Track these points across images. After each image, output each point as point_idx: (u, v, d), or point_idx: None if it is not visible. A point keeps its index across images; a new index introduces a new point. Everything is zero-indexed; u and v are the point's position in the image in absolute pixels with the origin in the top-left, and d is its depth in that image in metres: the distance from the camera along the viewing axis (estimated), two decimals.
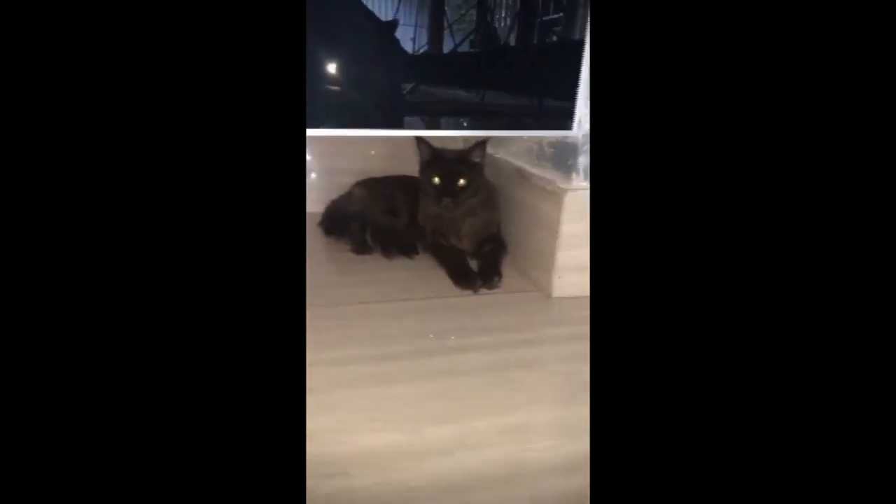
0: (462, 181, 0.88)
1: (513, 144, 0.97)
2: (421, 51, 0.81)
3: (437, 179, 0.89)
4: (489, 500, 0.43)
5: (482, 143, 0.89)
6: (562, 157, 0.80)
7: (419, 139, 0.92)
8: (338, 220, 1.02)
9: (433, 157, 0.92)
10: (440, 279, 0.86)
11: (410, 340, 0.67)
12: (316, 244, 1.01)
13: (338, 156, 1.20)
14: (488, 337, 0.69)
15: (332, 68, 0.74)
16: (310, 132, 0.68)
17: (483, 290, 0.82)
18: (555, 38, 0.84)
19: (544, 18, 0.89)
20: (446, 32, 0.86)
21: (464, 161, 0.90)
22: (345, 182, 1.12)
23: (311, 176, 1.20)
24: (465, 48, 0.85)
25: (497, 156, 1.00)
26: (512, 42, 0.87)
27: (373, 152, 1.22)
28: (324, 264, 0.93)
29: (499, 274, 0.84)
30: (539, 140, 0.87)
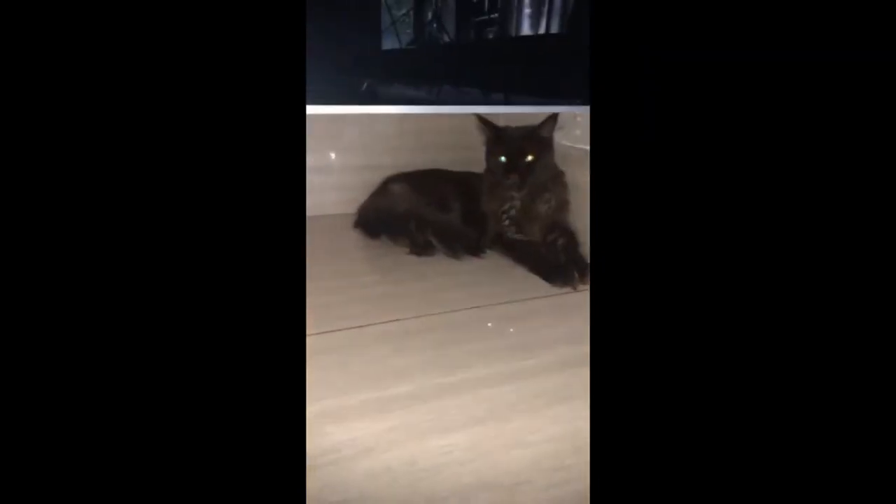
0: (529, 157, 0.82)
1: (575, 127, 0.91)
2: None
3: (502, 158, 0.83)
4: None
5: (553, 117, 0.83)
6: None
7: (480, 117, 0.85)
8: (387, 221, 0.90)
9: (497, 135, 0.85)
10: (518, 279, 0.78)
11: (546, 348, 0.58)
12: (355, 249, 0.89)
13: (355, 151, 1.07)
14: None
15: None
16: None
17: (580, 286, 0.74)
18: None
19: None
20: None
21: (531, 136, 0.83)
22: (368, 179, 1.01)
23: (331, 175, 1.06)
24: None
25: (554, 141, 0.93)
26: None
27: (394, 144, 1.10)
28: (372, 273, 0.81)
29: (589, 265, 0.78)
30: None
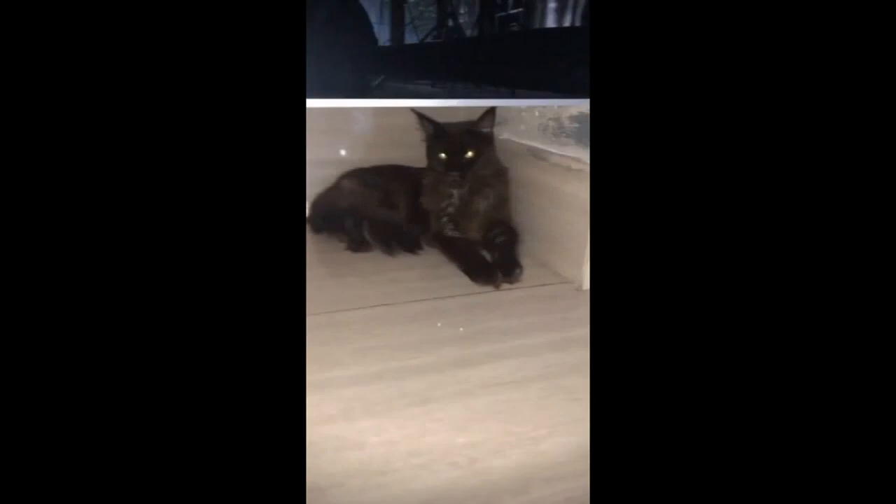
0: (470, 153, 0.81)
1: (520, 123, 0.88)
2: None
3: (442, 155, 0.81)
4: None
5: (491, 111, 0.81)
6: (587, 132, 0.72)
7: (419, 114, 0.83)
8: (329, 216, 0.90)
9: (437, 132, 0.83)
10: (450, 276, 0.76)
11: (433, 349, 0.57)
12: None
13: (317, 146, 1.07)
14: (526, 339, 0.59)
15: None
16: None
17: (504, 285, 0.72)
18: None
19: None
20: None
21: (471, 132, 0.82)
22: (327, 174, 1.01)
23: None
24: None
25: (501, 137, 0.90)
26: None
27: (358, 138, 1.10)
28: (314, 266, 0.81)
29: (519, 265, 0.75)
30: (557, 115, 0.78)
